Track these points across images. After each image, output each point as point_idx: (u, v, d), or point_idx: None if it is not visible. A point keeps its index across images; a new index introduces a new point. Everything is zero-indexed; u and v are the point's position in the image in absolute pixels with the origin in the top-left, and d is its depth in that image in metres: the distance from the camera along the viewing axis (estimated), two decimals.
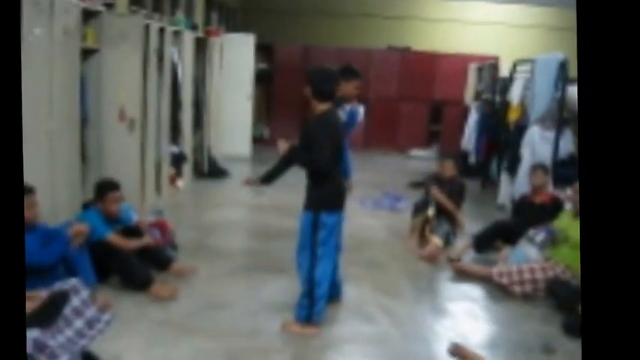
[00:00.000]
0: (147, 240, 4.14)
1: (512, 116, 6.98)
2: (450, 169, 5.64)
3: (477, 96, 8.94)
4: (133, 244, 3.99)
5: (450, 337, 3.51)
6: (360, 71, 4.06)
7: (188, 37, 6.86)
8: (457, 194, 5.65)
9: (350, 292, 4.10)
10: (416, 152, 11.16)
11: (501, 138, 7.09)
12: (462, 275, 4.67)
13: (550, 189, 5.49)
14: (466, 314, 3.97)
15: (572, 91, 5.48)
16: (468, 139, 8.74)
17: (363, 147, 11.11)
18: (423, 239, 5.37)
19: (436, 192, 5.51)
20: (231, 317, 3.61)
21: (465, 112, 10.05)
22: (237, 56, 9.11)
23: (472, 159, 8.77)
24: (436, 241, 5.25)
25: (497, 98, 8.04)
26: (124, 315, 3.43)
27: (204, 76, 7.64)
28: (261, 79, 10.91)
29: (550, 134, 5.66)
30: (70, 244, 3.45)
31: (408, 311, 3.93)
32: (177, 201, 6.45)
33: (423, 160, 10.83)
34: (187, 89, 6.86)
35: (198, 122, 7.58)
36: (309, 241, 3.33)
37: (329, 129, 3.25)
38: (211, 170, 7.89)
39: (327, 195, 3.33)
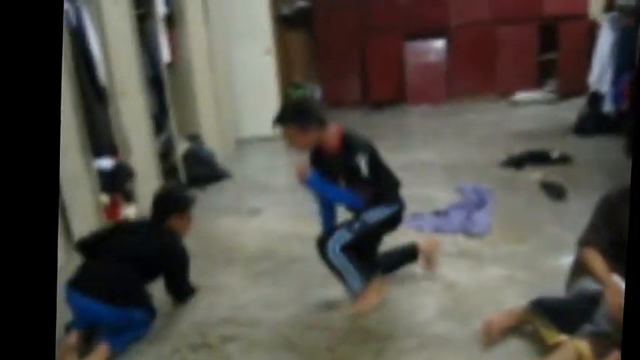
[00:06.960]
0: None
1: None
2: None
3: (611, 4, 5.52)
4: None
5: None
6: None
7: None
8: None
9: None
10: (523, 96, 7.84)
11: None
12: None
13: None
14: None
15: None
16: (600, 74, 5.41)
17: (445, 100, 8.10)
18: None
19: None
20: None
21: (591, 31, 6.62)
22: None
23: (608, 106, 5.47)
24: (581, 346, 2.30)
25: None
26: None
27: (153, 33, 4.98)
28: (299, 21, 8.12)
29: None
30: None
31: None
32: None
33: (534, 105, 7.59)
34: (125, 63, 4.39)
35: (163, 111, 5.10)
36: None
37: None
38: (196, 174, 5.41)
39: None
